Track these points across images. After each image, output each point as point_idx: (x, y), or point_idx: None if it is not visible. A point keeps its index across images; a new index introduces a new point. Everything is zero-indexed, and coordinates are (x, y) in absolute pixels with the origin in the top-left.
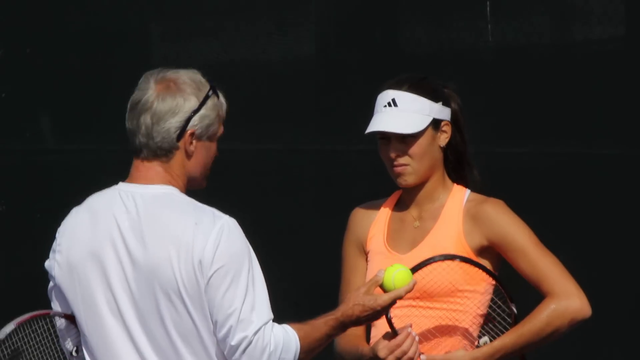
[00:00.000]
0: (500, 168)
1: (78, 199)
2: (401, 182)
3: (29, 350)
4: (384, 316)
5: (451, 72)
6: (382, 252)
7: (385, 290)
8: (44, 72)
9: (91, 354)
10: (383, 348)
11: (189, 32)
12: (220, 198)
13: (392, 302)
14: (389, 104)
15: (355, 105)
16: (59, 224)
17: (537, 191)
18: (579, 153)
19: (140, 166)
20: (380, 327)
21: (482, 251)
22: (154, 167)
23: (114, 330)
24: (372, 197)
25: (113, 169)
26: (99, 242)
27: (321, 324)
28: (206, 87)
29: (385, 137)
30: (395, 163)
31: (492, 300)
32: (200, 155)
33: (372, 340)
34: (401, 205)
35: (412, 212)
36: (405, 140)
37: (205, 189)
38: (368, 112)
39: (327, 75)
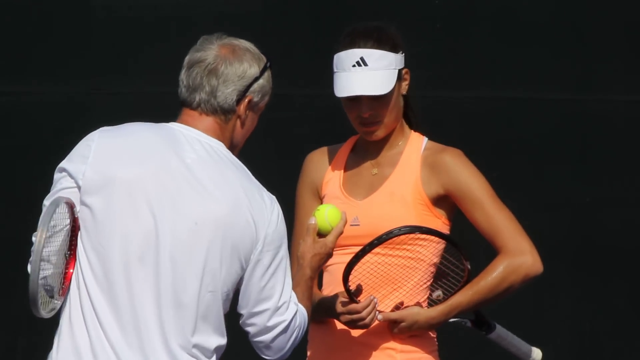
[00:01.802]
0: (446, 112)
1: (23, 140)
2: (372, 137)
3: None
4: (343, 286)
5: (397, 16)
6: (338, 197)
7: (323, 233)
8: None
9: (95, 274)
10: (342, 314)
11: None
12: None
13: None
14: (358, 64)
15: (301, 49)
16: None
17: (482, 135)
18: (523, 98)
19: (197, 116)
20: (333, 272)
21: (439, 200)
22: (211, 121)
23: (140, 262)
24: (317, 141)
25: (57, 111)
26: (157, 172)
27: (305, 288)
28: (264, 58)
29: (355, 96)
30: (367, 121)
31: (444, 257)
32: (248, 124)
33: (326, 287)
34: (358, 151)
35: (370, 159)
36: (377, 98)
37: None
38: (314, 56)
39: (274, 18)
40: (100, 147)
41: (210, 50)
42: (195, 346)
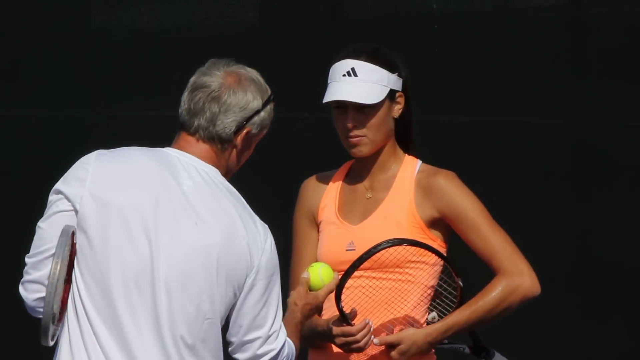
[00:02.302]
0: (443, 136)
1: (18, 164)
2: (356, 153)
3: None
4: (336, 307)
5: (395, 40)
6: (334, 223)
7: (314, 289)
8: None
9: (94, 298)
10: (337, 336)
11: None
12: None
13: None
14: (348, 73)
15: (299, 73)
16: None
17: (481, 160)
18: (521, 122)
19: (194, 142)
20: (332, 297)
21: (434, 223)
22: (207, 149)
23: (137, 287)
24: (318, 166)
25: (53, 135)
26: (153, 199)
27: (295, 328)
28: (268, 90)
29: (342, 107)
30: (352, 134)
31: (440, 278)
32: (244, 154)
33: (326, 312)
34: (352, 176)
35: (364, 182)
36: (364, 111)
37: None
38: (312, 79)
39: (271, 42)
40: (97, 170)
41: (216, 77)
42: None
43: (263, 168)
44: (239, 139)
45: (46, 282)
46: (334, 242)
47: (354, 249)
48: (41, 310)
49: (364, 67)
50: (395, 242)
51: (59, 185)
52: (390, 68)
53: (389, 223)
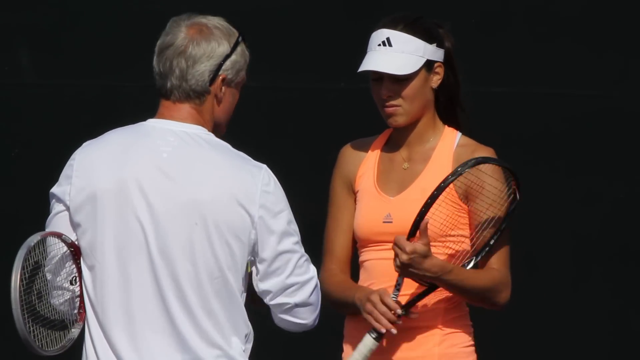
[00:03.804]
0: (477, 107)
1: (57, 135)
2: (392, 123)
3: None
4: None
5: (432, 10)
6: (372, 193)
7: None
8: (22, 6)
9: (96, 289)
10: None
11: None
12: None
13: None
14: (383, 43)
15: (335, 43)
16: (37, 161)
17: (516, 132)
18: (557, 93)
19: (172, 106)
20: (368, 268)
21: (467, 196)
22: (186, 108)
23: (135, 265)
24: (353, 137)
25: (91, 104)
26: (134, 175)
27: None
28: (235, 33)
29: (378, 77)
30: (387, 104)
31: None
32: (228, 102)
33: (362, 283)
34: (391, 145)
35: (402, 153)
36: (398, 81)
37: None
38: (348, 50)
39: (306, 12)
40: (80, 164)
41: (179, 33)
42: (214, 337)
43: (298, 137)
44: (216, 86)
45: (66, 285)
46: (372, 214)
47: (390, 222)
48: (67, 311)
49: (399, 37)
50: (473, 163)
51: (52, 188)
52: (428, 38)
53: (425, 196)
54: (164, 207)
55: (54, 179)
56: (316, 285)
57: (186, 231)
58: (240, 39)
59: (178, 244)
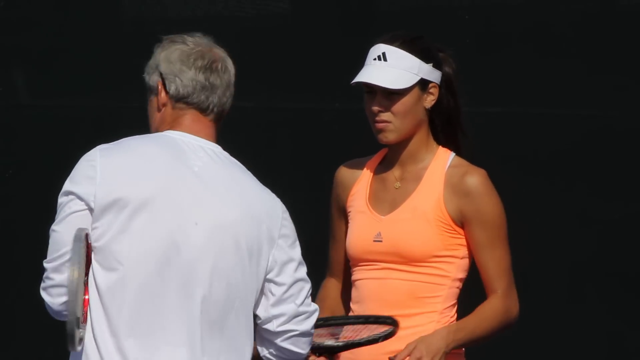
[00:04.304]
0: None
1: (52, 155)
2: (381, 139)
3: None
4: (368, 304)
5: (427, 30)
6: (364, 212)
7: None
8: (17, 27)
9: (114, 294)
10: None
11: None
12: None
13: None
14: (379, 58)
15: (331, 63)
16: (32, 181)
17: (510, 152)
18: (552, 114)
19: (202, 120)
20: (359, 287)
21: (461, 219)
22: (211, 127)
23: (161, 277)
24: (347, 157)
25: (86, 125)
26: (165, 185)
27: None
28: None
29: (371, 91)
30: (377, 118)
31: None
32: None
33: (354, 302)
34: (385, 165)
35: (395, 172)
36: (390, 97)
37: None
38: (344, 70)
39: (302, 32)
40: (105, 166)
41: (217, 52)
42: (228, 356)
43: (294, 158)
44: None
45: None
46: (362, 232)
47: (381, 241)
48: (67, 314)
49: (395, 53)
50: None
51: (67, 186)
52: (425, 57)
53: (416, 216)
54: (197, 223)
55: (49, 198)
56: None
57: (217, 249)
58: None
59: (207, 262)
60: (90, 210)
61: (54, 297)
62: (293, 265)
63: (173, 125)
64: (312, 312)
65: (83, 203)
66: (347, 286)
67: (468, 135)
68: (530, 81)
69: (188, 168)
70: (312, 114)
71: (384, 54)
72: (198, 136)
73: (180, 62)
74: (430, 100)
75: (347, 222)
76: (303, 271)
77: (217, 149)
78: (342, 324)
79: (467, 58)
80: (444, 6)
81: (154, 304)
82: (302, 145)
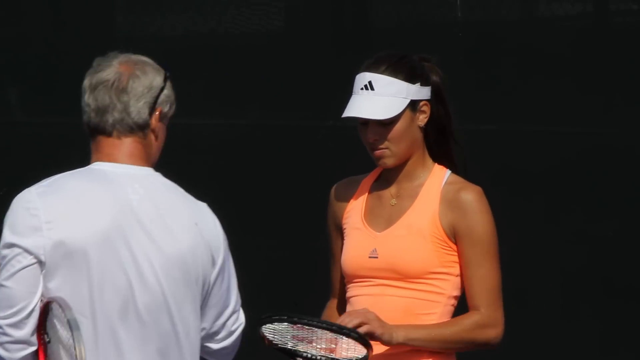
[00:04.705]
0: (467, 145)
1: (46, 173)
2: (382, 165)
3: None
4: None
5: (420, 47)
6: (359, 228)
7: None
8: (11, 44)
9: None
10: None
11: (156, 5)
12: (189, 174)
13: None
14: (366, 87)
15: (324, 80)
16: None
17: (505, 169)
18: (545, 131)
19: (115, 143)
20: (354, 304)
21: (454, 234)
22: (130, 142)
23: (122, 321)
24: (342, 175)
25: (80, 143)
26: (112, 225)
27: None
28: (162, 69)
29: (365, 122)
30: (374, 147)
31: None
32: (161, 137)
33: None
34: (381, 182)
35: (391, 190)
36: (384, 124)
37: (174, 164)
38: (337, 87)
39: (296, 49)
40: (48, 213)
41: (112, 68)
42: None
43: (287, 176)
44: (154, 121)
45: (32, 339)
46: (358, 248)
47: (376, 257)
48: None
49: (381, 80)
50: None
51: (10, 237)
52: (411, 78)
53: (411, 232)
54: (148, 261)
55: None
56: (240, 333)
57: (170, 286)
58: (168, 74)
59: (161, 299)
60: (40, 263)
61: (12, 352)
62: (227, 284)
63: (98, 156)
64: (236, 329)
65: (32, 257)
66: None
67: (460, 142)
68: (524, 98)
69: (127, 202)
70: (306, 131)
71: (370, 82)
72: (121, 163)
73: (83, 90)
74: (423, 118)
75: (343, 240)
76: (235, 290)
77: (147, 172)
78: (315, 326)
79: (461, 75)
80: (437, 23)
81: (122, 348)
82: (296, 162)
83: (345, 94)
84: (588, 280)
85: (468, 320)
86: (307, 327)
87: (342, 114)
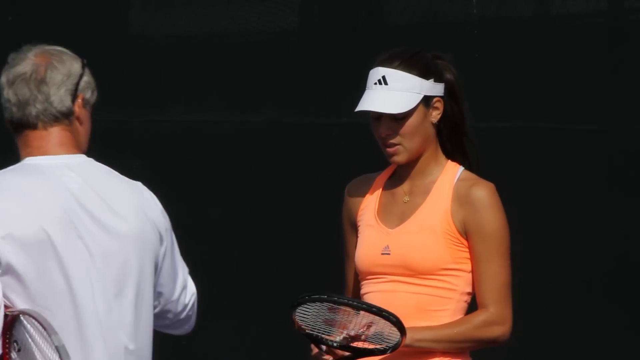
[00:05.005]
0: (482, 142)
1: None
2: (394, 161)
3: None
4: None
5: (434, 45)
6: (373, 225)
7: None
8: (25, 41)
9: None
10: None
11: (170, 2)
12: (203, 170)
13: None
14: (379, 82)
15: (338, 78)
16: None
17: (520, 166)
18: (560, 128)
19: (43, 135)
20: (367, 300)
21: (465, 230)
22: (58, 131)
23: (85, 310)
24: (356, 172)
25: (92, 140)
26: (60, 218)
27: None
28: (78, 57)
29: (378, 116)
30: (387, 142)
31: None
32: (87, 124)
33: None
34: (394, 179)
35: (404, 186)
36: (397, 119)
37: (187, 161)
38: (351, 84)
39: (310, 46)
40: None
41: (28, 61)
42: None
43: (302, 172)
44: (77, 107)
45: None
46: (370, 245)
47: (389, 254)
48: None
49: (394, 75)
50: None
51: None
52: (425, 74)
53: (423, 229)
54: (100, 247)
55: None
56: (195, 302)
57: (125, 269)
58: (85, 61)
59: (118, 285)
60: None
61: None
62: (178, 253)
63: (28, 150)
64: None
65: None
66: None
67: (472, 139)
68: (539, 96)
69: (68, 193)
70: (321, 128)
71: (383, 77)
72: (58, 154)
73: (1, 87)
74: (436, 114)
75: (357, 238)
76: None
77: (80, 159)
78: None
79: (476, 73)
80: (452, 21)
81: (87, 337)
82: (310, 159)
83: (359, 91)
84: (604, 279)
85: (475, 320)
86: (344, 308)
87: (355, 113)
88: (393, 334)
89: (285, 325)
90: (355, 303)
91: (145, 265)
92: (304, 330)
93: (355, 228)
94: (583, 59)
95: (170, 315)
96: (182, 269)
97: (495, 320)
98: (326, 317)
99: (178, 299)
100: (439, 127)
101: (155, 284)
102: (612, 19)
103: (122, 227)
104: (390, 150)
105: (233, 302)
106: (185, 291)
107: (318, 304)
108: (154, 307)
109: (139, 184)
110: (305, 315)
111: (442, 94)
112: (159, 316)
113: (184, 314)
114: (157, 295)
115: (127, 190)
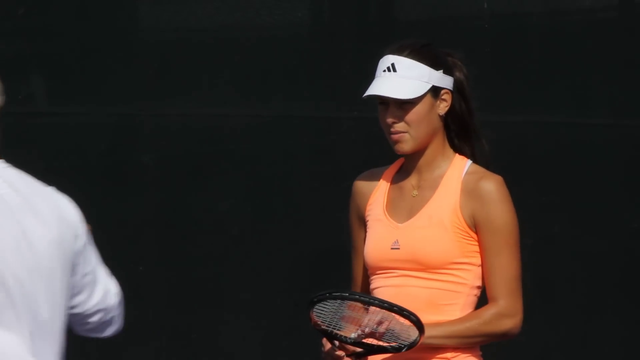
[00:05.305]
0: (491, 136)
1: (71, 162)
2: (398, 149)
3: None
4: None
5: (446, 39)
6: (381, 220)
7: None
8: (36, 34)
9: None
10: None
11: None
12: (213, 164)
13: None
14: (388, 69)
15: (349, 72)
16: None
17: (532, 160)
18: (570, 122)
19: None
20: (377, 295)
21: (474, 224)
22: None
23: (9, 310)
24: (366, 166)
25: (104, 133)
26: None
27: None
28: None
29: (384, 103)
30: (392, 130)
31: None
32: None
33: None
34: (402, 173)
35: (412, 180)
36: (403, 107)
37: (198, 155)
38: (361, 78)
39: (321, 40)
40: None
41: None
42: None
43: (311, 167)
44: None
45: None
46: (380, 240)
47: (398, 248)
48: None
49: (403, 63)
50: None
51: None
52: (434, 64)
53: (433, 223)
54: (33, 255)
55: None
56: (120, 298)
57: (47, 280)
58: None
59: (40, 295)
60: None
61: None
62: (94, 260)
63: None
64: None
65: None
66: None
67: (482, 140)
68: (550, 90)
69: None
70: (330, 122)
71: (393, 64)
72: None
73: None
74: (443, 106)
75: (366, 232)
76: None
77: (2, 165)
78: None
79: (487, 67)
80: (463, 15)
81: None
82: (320, 153)
83: (368, 85)
84: (613, 274)
85: (485, 314)
86: (364, 305)
87: (367, 104)
88: (409, 331)
89: (296, 319)
90: (377, 301)
91: (65, 268)
92: (320, 326)
93: (363, 223)
94: (594, 53)
95: (95, 319)
96: (103, 271)
97: (506, 313)
98: (344, 314)
99: (101, 300)
100: (446, 121)
101: (78, 285)
102: (623, 13)
103: (45, 235)
104: (395, 137)
105: (243, 295)
106: (108, 293)
107: (339, 301)
108: (72, 309)
109: (52, 188)
110: (322, 312)
111: (451, 88)
112: (82, 321)
113: (109, 315)
114: (78, 296)
115: (44, 194)
